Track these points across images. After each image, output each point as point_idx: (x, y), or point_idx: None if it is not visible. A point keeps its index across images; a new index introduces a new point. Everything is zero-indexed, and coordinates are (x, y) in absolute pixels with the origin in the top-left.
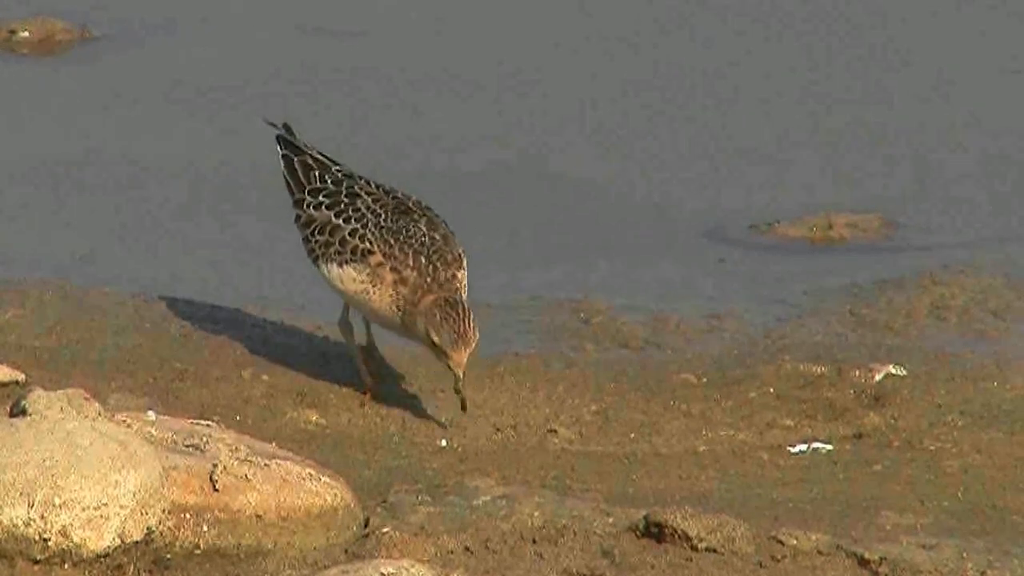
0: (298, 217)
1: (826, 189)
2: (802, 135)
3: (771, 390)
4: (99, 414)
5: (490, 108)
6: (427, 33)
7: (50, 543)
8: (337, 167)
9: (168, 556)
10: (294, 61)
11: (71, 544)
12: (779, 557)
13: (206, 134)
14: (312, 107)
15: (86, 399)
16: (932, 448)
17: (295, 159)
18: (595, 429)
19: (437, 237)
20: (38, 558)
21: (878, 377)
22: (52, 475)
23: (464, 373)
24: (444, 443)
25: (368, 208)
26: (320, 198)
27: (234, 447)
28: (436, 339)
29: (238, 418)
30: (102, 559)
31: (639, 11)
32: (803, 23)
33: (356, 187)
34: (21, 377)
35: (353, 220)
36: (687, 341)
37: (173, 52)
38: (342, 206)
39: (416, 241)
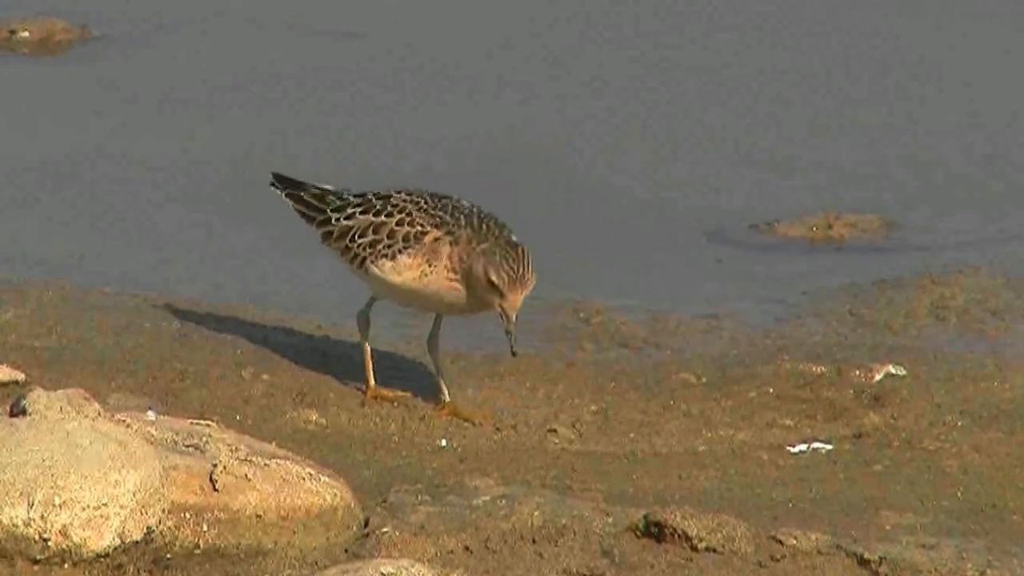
0: (329, 234)
1: (826, 189)
2: (802, 135)
3: (771, 390)
4: (99, 414)
5: (490, 108)
6: (427, 33)
7: (50, 543)
8: (347, 191)
9: (168, 556)
10: (294, 61)
11: (71, 544)
12: (779, 557)
13: (206, 134)
14: (312, 107)
15: (86, 399)
16: (932, 448)
17: (301, 193)
18: (595, 429)
19: (484, 209)
20: (38, 558)
21: (878, 377)
22: (52, 475)
23: (516, 316)
24: (444, 443)
25: (406, 200)
26: (350, 210)
27: (234, 447)
28: (494, 278)
29: (238, 418)
30: (102, 559)
31: (639, 11)
32: (803, 24)
33: (382, 191)
34: (21, 377)
35: (396, 212)
36: (687, 341)
37: (173, 52)
38: (378, 206)
39: (465, 210)
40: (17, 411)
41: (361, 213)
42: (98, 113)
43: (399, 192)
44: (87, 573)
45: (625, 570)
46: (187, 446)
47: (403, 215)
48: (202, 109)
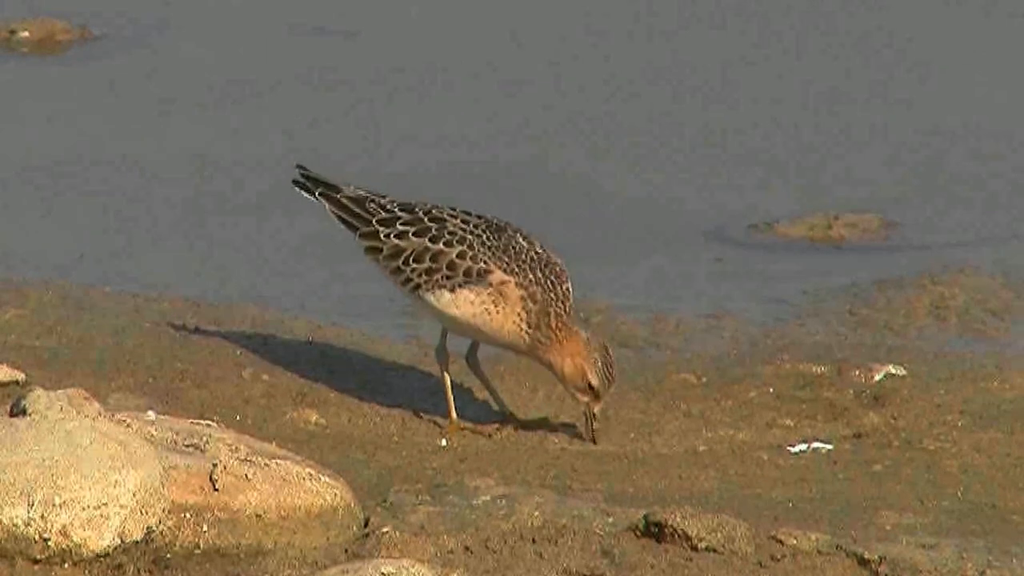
0: (376, 249)
1: (826, 189)
2: (802, 135)
3: (771, 390)
4: (99, 414)
5: (489, 108)
6: (425, 33)
7: (50, 543)
8: (383, 196)
9: (168, 556)
10: (293, 61)
11: (71, 544)
12: (779, 557)
13: (206, 134)
14: (311, 107)
15: (86, 399)
16: (932, 448)
17: (338, 196)
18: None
19: (541, 251)
20: (38, 558)
21: (878, 377)
22: (52, 475)
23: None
24: (444, 443)
25: (463, 229)
26: (399, 227)
27: (234, 447)
28: (594, 382)
29: (238, 418)
30: (102, 559)
31: (639, 11)
32: (804, 23)
33: (435, 211)
34: (21, 377)
35: (455, 242)
36: (687, 341)
37: (173, 52)
38: (434, 231)
39: (527, 256)
40: (17, 411)
41: (415, 235)
42: (98, 113)
43: (453, 215)
44: (87, 573)
45: (625, 570)
46: (187, 446)
47: (463, 247)
48: (202, 109)
